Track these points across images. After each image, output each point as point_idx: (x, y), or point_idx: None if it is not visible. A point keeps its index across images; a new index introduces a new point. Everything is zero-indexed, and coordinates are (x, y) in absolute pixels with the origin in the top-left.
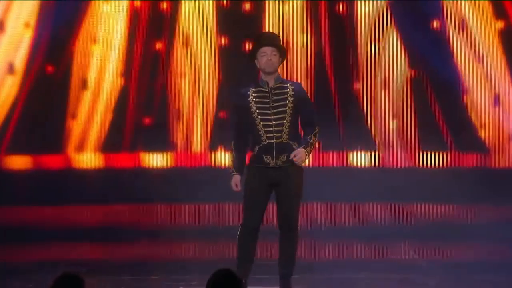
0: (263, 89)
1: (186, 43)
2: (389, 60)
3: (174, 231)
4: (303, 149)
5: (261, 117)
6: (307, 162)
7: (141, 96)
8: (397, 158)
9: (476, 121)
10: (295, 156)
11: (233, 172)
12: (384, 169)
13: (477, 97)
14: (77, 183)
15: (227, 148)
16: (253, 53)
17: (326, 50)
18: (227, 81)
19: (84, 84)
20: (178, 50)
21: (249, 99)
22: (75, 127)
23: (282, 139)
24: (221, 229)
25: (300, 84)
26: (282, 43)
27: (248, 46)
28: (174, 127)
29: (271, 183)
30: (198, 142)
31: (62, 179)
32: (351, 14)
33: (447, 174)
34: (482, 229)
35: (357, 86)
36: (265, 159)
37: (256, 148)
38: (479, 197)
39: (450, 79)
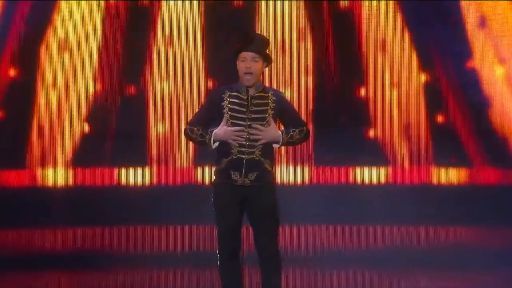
0: (241, 96)
1: (169, 43)
2: (398, 62)
3: (154, 257)
4: (278, 132)
5: (234, 127)
6: (301, 178)
7: (118, 102)
8: (408, 173)
9: (500, 131)
10: (259, 130)
11: (207, 134)
12: (393, 186)
13: (501, 104)
14: (43, 203)
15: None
16: (234, 55)
17: (328, 52)
18: (216, 86)
19: (52, 90)
20: (160, 51)
21: (223, 103)
22: (41, 138)
23: (254, 155)
24: (209, 254)
25: (281, 94)
26: (278, 44)
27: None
28: (156, 139)
29: (240, 201)
30: (182, 156)
31: (25, 198)
32: (355, 12)
33: (465, 192)
34: (507, 256)
35: (362, 92)
36: (232, 175)
37: (224, 161)
38: (504, 219)
39: (469, 83)
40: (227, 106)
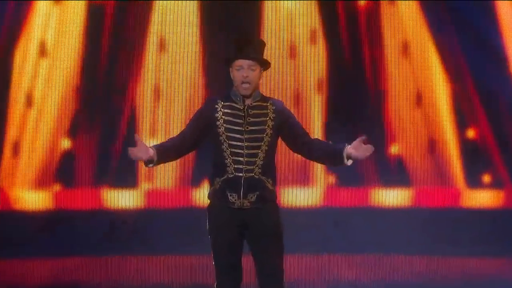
0: (237, 106)
1: (162, 48)
2: (422, 69)
3: None
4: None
5: (230, 142)
6: (311, 200)
7: (104, 114)
8: (435, 195)
9: None
10: (358, 153)
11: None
12: (418, 210)
13: None
14: (18, 229)
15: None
16: (227, 62)
17: (344, 57)
18: (215, 93)
19: (27, 101)
20: (152, 57)
21: (217, 114)
22: (15, 155)
23: (254, 174)
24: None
25: (282, 103)
26: (285, 48)
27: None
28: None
29: (239, 225)
30: (176, 176)
31: None
32: (374, 14)
33: (500, 217)
34: None
35: (383, 103)
36: (229, 197)
37: (218, 180)
38: None
39: (502, 92)
40: (221, 117)
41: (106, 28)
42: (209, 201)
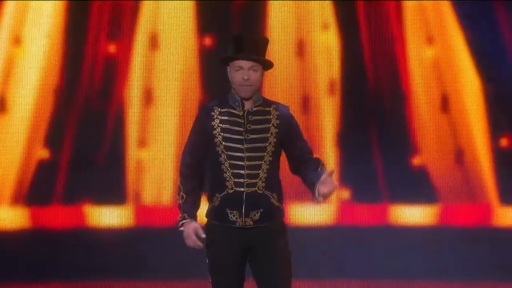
0: (235, 112)
1: (153, 45)
2: (449, 70)
3: None
4: (329, 177)
5: (229, 153)
6: (322, 218)
7: (86, 122)
8: (464, 212)
9: None
10: (325, 189)
11: (184, 219)
12: (444, 229)
13: None
14: None
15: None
16: (224, 61)
17: (360, 56)
18: (213, 98)
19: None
20: (142, 55)
21: (213, 122)
22: None
23: (256, 188)
24: None
25: (287, 108)
26: (294, 46)
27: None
28: (135, 169)
29: (242, 247)
30: (169, 191)
31: None
32: (395, 7)
33: None
34: None
35: (404, 108)
36: (229, 215)
37: (217, 197)
38: None
39: None
40: (218, 126)
41: (90, 25)
42: (206, 219)
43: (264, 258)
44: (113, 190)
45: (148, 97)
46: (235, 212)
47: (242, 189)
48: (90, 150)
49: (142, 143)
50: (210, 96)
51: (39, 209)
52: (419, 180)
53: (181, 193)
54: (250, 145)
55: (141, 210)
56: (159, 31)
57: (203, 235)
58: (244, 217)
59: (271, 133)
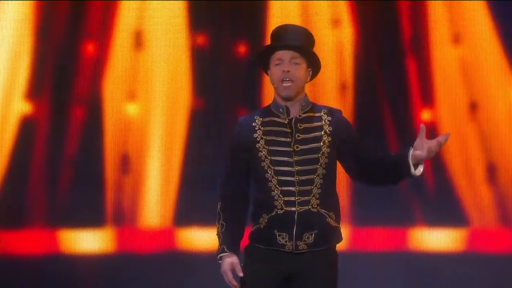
0: (280, 120)
1: (138, 44)
2: (479, 72)
3: None
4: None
5: (276, 168)
6: (340, 245)
7: (58, 131)
8: (496, 237)
9: None
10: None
11: (223, 251)
12: (474, 256)
13: None
14: None
15: (205, 222)
16: (262, 59)
17: (374, 56)
18: (206, 104)
19: None
20: (123, 56)
21: (255, 134)
22: None
23: (310, 206)
24: None
25: (340, 112)
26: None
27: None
28: (115, 186)
29: (286, 276)
30: (155, 212)
31: None
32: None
33: None
34: None
35: (426, 115)
36: (278, 238)
37: (264, 218)
38: None
39: None
40: (261, 138)
41: (61, 23)
42: (248, 242)
43: (311, 284)
44: (91, 211)
45: (130, 103)
46: (284, 234)
47: (293, 208)
48: (64, 165)
49: (124, 155)
50: (204, 102)
51: (6, 234)
52: (444, 199)
53: (221, 221)
54: (300, 158)
55: (123, 233)
56: (144, 29)
57: (241, 274)
58: (296, 240)
59: (324, 142)
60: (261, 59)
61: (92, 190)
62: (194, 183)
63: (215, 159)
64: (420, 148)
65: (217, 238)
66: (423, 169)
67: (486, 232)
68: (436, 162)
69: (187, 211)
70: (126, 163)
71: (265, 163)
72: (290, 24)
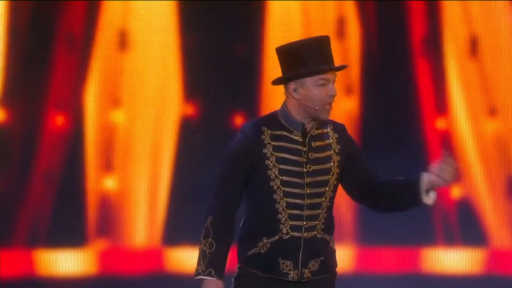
0: (293, 137)
1: (123, 44)
2: (498, 78)
3: None
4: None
5: (287, 189)
6: (343, 266)
7: (34, 139)
8: None
9: None
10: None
11: (209, 275)
12: (494, 279)
13: None
14: None
15: (197, 241)
16: (296, 76)
17: (382, 58)
18: (198, 110)
19: None
20: (108, 58)
21: (265, 150)
22: None
23: (316, 232)
24: None
25: (343, 127)
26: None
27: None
28: (97, 202)
29: None
30: (142, 230)
31: None
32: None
33: None
34: None
35: (440, 123)
36: (281, 266)
37: (265, 242)
38: None
39: None
40: (272, 154)
41: (29, 24)
42: (241, 267)
43: None
44: (70, 230)
45: (115, 109)
46: (289, 262)
47: (299, 234)
48: (40, 178)
49: (108, 168)
50: (195, 108)
51: None
52: (461, 217)
53: (210, 238)
54: (312, 179)
55: (106, 254)
56: (130, 29)
57: None
58: (301, 268)
59: (333, 163)
60: (297, 74)
61: (72, 206)
62: (185, 198)
63: (208, 171)
64: (440, 171)
65: (200, 256)
66: (435, 197)
67: (507, 252)
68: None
69: (177, 229)
70: (110, 177)
71: (274, 183)
72: (323, 37)
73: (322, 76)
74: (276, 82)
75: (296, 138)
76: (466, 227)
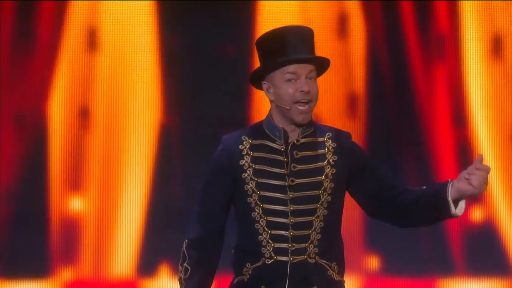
0: (275, 146)
1: (92, 44)
2: None
3: None
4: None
5: (266, 206)
6: None
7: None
8: None
9: None
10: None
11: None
12: None
13: None
14: None
15: (176, 270)
16: (262, 72)
17: (390, 63)
18: (180, 119)
19: None
20: (76, 59)
21: (242, 161)
22: None
23: (307, 256)
24: None
25: (349, 136)
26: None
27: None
28: (63, 227)
29: None
30: (115, 259)
31: None
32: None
33: None
34: None
35: (458, 137)
36: None
37: (248, 268)
38: None
39: None
40: (249, 166)
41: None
42: None
43: None
44: (33, 259)
45: (83, 120)
46: None
47: (285, 258)
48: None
49: (75, 187)
50: (176, 118)
51: None
52: (482, 242)
53: (185, 263)
54: (296, 194)
55: (73, 286)
56: (102, 31)
57: None
58: None
59: (326, 176)
60: (263, 69)
61: (34, 232)
62: (165, 219)
63: (190, 189)
64: (471, 175)
65: (179, 284)
66: (464, 206)
67: None
68: (473, 195)
69: (155, 256)
70: (76, 197)
71: (252, 199)
72: (296, 26)
73: (287, 69)
74: (251, 81)
75: (278, 147)
76: (487, 254)
